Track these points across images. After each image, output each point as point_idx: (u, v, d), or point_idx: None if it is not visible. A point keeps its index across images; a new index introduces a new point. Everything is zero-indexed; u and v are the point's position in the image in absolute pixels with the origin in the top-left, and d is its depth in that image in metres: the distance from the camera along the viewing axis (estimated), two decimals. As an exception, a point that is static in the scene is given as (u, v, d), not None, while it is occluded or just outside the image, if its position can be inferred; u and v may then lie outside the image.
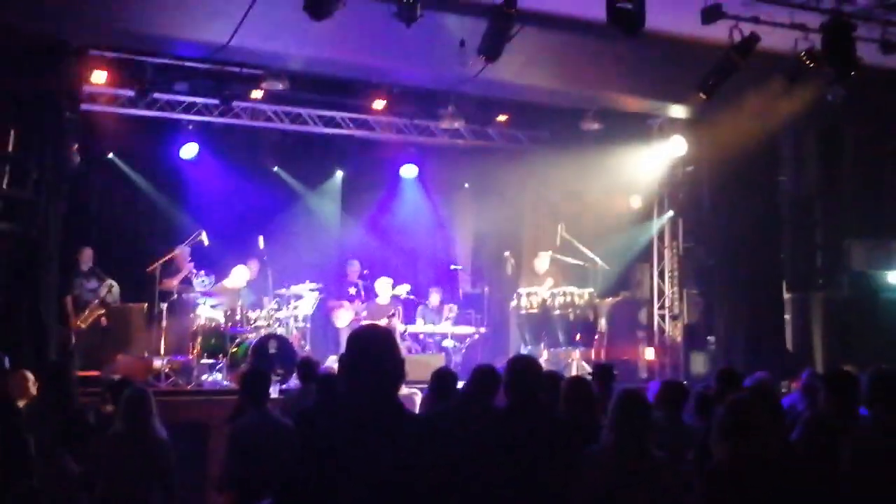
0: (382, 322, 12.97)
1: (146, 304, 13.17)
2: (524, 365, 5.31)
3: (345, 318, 14.30)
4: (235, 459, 6.45)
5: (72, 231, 11.82)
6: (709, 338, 14.67)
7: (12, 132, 9.60)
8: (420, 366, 9.83)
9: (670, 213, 15.39)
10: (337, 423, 3.38)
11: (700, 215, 14.90)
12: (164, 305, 12.47)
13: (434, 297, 14.88)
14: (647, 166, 15.15)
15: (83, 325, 12.70)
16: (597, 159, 14.38)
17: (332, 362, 12.48)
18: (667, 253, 15.48)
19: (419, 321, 14.64)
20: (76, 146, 11.62)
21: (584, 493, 4.80)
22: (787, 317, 14.66)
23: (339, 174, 16.42)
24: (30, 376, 8.08)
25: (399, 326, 13.71)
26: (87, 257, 13.13)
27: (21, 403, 7.57)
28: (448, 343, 14.29)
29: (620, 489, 4.76)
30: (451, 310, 14.87)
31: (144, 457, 6.36)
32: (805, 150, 15.10)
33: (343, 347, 10.93)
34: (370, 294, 14.50)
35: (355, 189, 16.51)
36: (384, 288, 14.37)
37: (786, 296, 14.69)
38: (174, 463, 6.50)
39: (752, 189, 14.14)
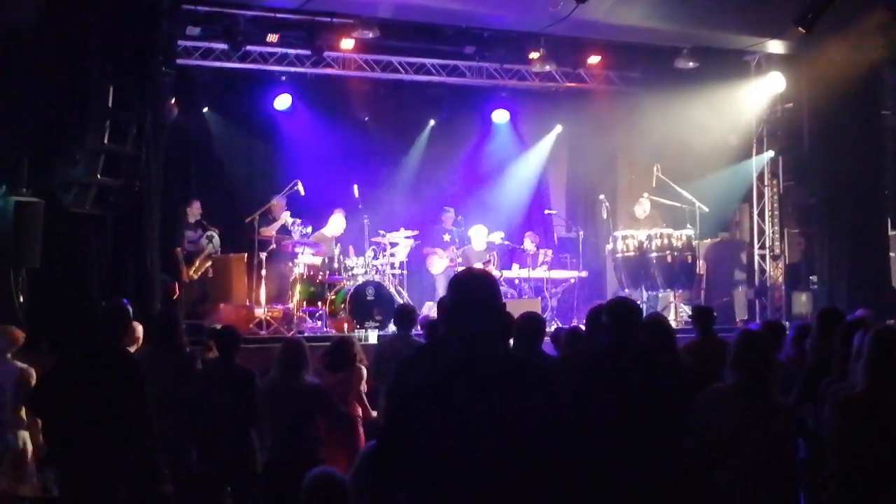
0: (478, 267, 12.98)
1: (246, 254, 13.39)
2: (624, 307, 5.24)
3: (440, 265, 14.36)
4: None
5: (171, 184, 12.05)
6: (811, 277, 14.40)
7: (111, 88, 9.76)
8: (516, 311, 9.81)
9: (770, 151, 15.07)
10: (442, 369, 3.38)
11: (800, 153, 14.58)
12: (263, 255, 12.68)
13: (528, 242, 14.82)
14: (744, 104, 14.85)
15: (195, 276, 12.99)
16: (692, 99, 14.10)
17: (428, 308, 12.58)
18: (766, 192, 15.17)
19: (514, 266, 14.64)
20: (173, 100, 11.83)
21: (703, 433, 4.76)
22: (892, 254, 14.26)
23: (432, 122, 16.39)
24: (138, 326, 8.30)
25: (495, 272, 13.70)
26: (195, 210, 13.40)
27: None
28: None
29: (741, 431, 4.72)
30: (546, 255, 14.80)
31: (298, 402, 6.60)
32: (910, 83, 14.58)
33: (439, 294, 11.05)
34: (464, 241, 14.52)
35: (447, 136, 16.45)
36: (479, 235, 14.37)
37: (891, 233, 14.29)
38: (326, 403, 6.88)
39: (853, 124, 13.77)
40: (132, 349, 7.88)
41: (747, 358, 4.86)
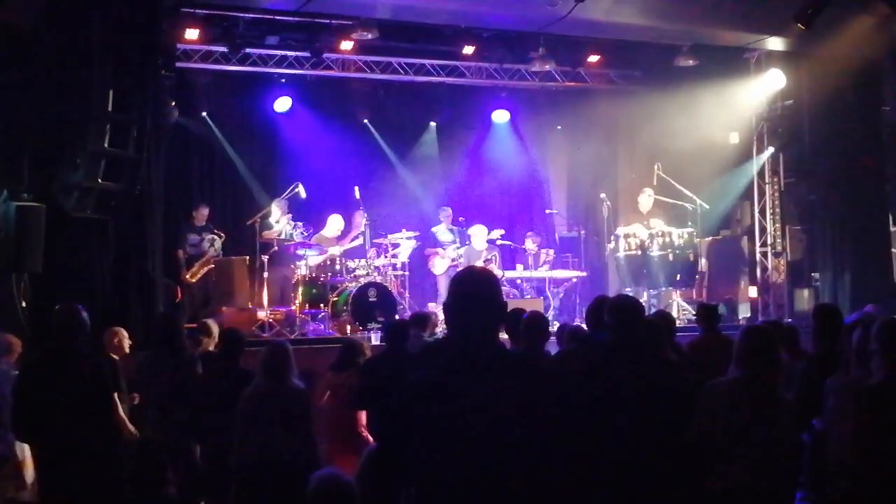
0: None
1: (248, 257, 13.39)
2: (627, 305, 5.21)
3: (442, 265, 14.36)
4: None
5: (172, 187, 12.06)
6: (813, 274, 14.39)
7: (111, 92, 9.76)
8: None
9: (770, 148, 15.04)
10: (444, 366, 3.38)
11: (801, 150, 14.57)
12: (265, 257, 12.68)
13: (530, 243, 14.81)
14: (744, 102, 14.85)
15: (193, 280, 13.00)
16: (692, 96, 14.12)
17: (431, 308, 12.58)
18: (768, 189, 15.16)
19: (518, 267, 14.63)
20: (173, 103, 11.85)
21: (705, 427, 4.76)
22: (893, 250, 14.25)
23: (432, 124, 16.39)
24: (124, 333, 8.28)
25: (497, 272, 13.69)
26: (202, 216, 13.42)
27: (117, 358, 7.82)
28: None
29: (744, 425, 4.73)
30: (547, 254, 14.80)
31: (282, 407, 6.55)
32: (910, 79, 14.57)
33: (441, 294, 11.00)
34: (465, 241, 14.52)
35: (447, 136, 16.47)
36: (479, 234, 14.36)
37: (892, 228, 14.28)
38: (310, 412, 6.71)
39: (854, 121, 13.78)
40: (118, 355, 7.91)
41: (751, 354, 4.87)
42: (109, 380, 6.30)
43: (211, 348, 8.18)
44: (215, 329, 8.37)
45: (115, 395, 7.32)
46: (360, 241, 13.68)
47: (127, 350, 8.20)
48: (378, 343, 10.49)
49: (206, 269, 13.14)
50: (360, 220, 13.82)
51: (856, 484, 4.70)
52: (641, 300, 13.35)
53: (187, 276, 12.93)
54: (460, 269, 11.53)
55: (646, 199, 14.16)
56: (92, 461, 5.92)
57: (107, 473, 6.04)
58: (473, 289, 3.40)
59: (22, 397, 6.03)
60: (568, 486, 3.27)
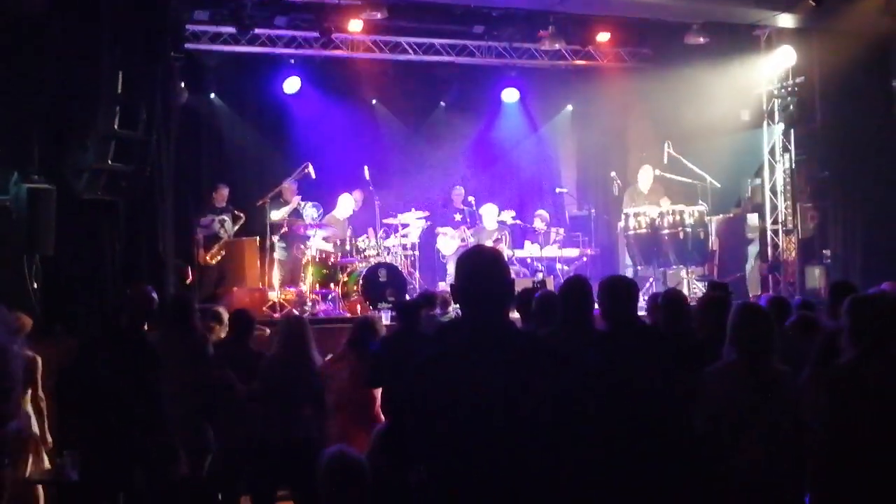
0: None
1: (258, 238, 13.42)
2: (620, 286, 5.10)
3: (451, 245, 14.37)
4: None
5: (182, 168, 12.07)
6: (824, 251, 14.34)
7: (120, 74, 9.76)
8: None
9: (781, 125, 14.97)
10: (453, 345, 3.39)
11: (812, 127, 14.49)
12: (276, 238, 12.69)
13: (539, 222, 14.80)
14: (755, 79, 14.78)
15: (211, 261, 13.04)
16: (703, 74, 14.05)
17: (441, 287, 12.61)
18: (778, 167, 15.09)
19: (527, 245, 14.63)
20: (182, 85, 11.85)
21: (708, 412, 4.71)
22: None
23: (441, 103, 16.38)
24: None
25: (506, 251, 13.70)
26: (221, 196, 13.44)
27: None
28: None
29: (745, 405, 4.66)
30: (557, 233, 14.79)
31: (301, 379, 6.62)
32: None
33: (450, 274, 11.00)
34: (476, 220, 14.52)
35: (457, 115, 16.45)
36: (490, 214, 14.37)
37: (904, 205, 14.21)
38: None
39: (865, 97, 13.71)
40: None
41: (746, 333, 4.78)
42: (161, 361, 6.38)
43: (222, 335, 8.19)
44: (226, 316, 8.39)
45: None
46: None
47: None
48: (389, 323, 10.52)
49: (222, 250, 13.18)
50: (359, 197, 13.84)
51: (828, 468, 4.61)
52: (651, 279, 13.47)
53: (206, 258, 12.97)
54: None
55: (645, 175, 14.12)
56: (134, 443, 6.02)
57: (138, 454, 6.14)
58: (479, 268, 3.40)
59: (78, 376, 6.10)
60: (576, 466, 3.29)
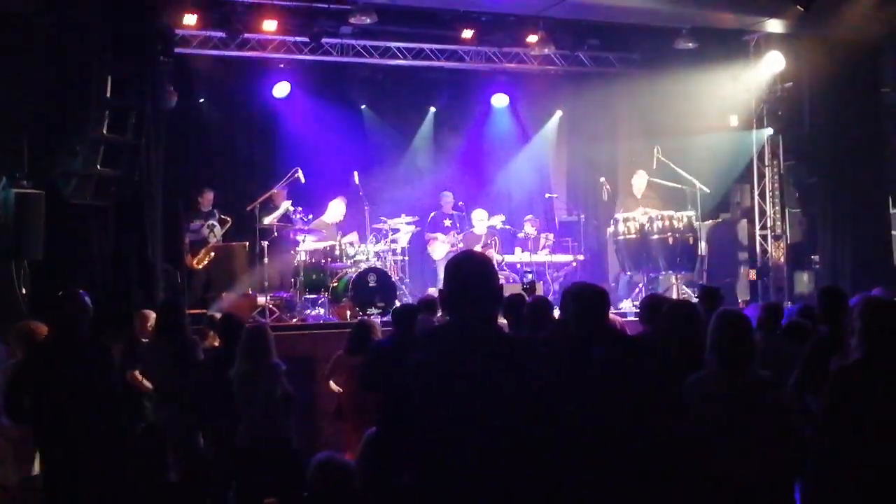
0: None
1: (247, 243, 13.39)
2: (590, 292, 4.84)
3: (441, 250, 14.37)
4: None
5: (171, 173, 12.04)
6: (813, 257, 14.38)
7: (109, 78, 9.75)
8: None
9: (770, 131, 15.02)
10: (441, 350, 3.39)
11: (800, 132, 14.55)
12: (265, 243, 12.68)
13: (529, 227, 14.81)
14: (744, 85, 14.82)
15: (199, 266, 13.01)
16: (692, 80, 14.08)
17: (432, 293, 12.59)
18: (767, 172, 15.14)
19: (517, 251, 14.64)
20: (172, 89, 11.82)
21: (696, 423, 4.67)
22: (894, 232, 14.24)
23: (432, 109, 16.39)
24: (153, 315, 8.32)
25: (496, 256, 13.70)
26: (207, 200, 13.42)
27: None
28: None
29: (727, 413, 4.61)
30: (547, 238, 14.80)
31: (266, 388, 6.61)
32: (910, 61, 14.54)
33: (440, 279, 10.94)
34: (465, 225, 14.52)
35: (447, 121, 16.46)
36: (479, 219, 14.38)
37: (892, 211, 14.26)
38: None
39: (854, 103, 13.74)
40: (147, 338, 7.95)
41: (724, 340, 4.72)
42: (115, 364, 6.32)
43: (216, 343, 8.18)
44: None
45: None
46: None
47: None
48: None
49: (210, 255, 13.15)
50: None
51: (827, 465, 4.63)
52: (640, 284, 13.49)
53: (193, 263, 12.94)
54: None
55: (639, 181, 14.15)
56: (97, 446, 5.94)
57: (111, 458, 6.07)
58: (467, 273, 3.41)
59: (23, 382, 6.04)
60: (564, 470, 3.29)
